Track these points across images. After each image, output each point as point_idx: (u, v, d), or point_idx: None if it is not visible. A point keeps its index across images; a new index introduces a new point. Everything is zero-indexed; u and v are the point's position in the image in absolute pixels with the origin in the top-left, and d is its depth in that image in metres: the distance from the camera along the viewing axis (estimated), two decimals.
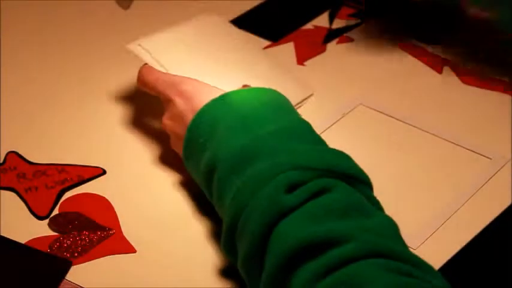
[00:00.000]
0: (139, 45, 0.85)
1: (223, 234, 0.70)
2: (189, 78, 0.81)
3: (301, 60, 0.98)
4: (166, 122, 0.81)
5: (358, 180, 0.69)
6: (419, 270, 0.61)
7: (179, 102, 0.79)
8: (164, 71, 0.84)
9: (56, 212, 0.80)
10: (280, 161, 0.68)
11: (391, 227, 0.66)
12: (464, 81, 0.96)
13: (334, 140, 0.88)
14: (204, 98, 0.77)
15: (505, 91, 0.94)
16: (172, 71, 0.83)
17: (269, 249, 0.65)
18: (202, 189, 0.76)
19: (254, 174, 0.69)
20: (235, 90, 0.77)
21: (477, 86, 0.95)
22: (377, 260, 0.61)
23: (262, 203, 0.67)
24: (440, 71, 0.97)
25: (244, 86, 0.83)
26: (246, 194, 0.68)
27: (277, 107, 0.76)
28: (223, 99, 0.76)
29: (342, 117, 0.91)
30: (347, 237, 0.62)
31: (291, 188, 0.67)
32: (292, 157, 0.69)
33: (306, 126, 0.75)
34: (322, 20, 1.05)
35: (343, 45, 1.01)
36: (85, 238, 0.77)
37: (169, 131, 0.81)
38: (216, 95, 0.77)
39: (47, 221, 0.79)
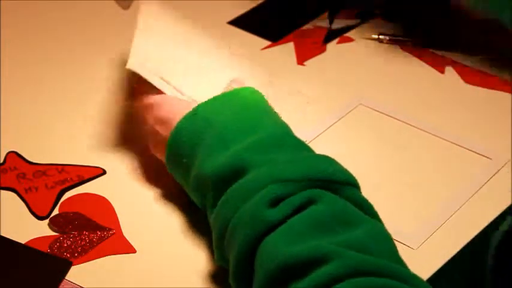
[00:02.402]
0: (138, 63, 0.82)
1: (214, 247, 0.71)
2: (162, 98, 0.79)
3: (301, 60, 0.98)
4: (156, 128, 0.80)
5: (344, 184, 0.68)
6: (408, 285, 0.60)
7: (159, 129, 0.79)
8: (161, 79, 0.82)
9: (56, 212, 0.80)
10: (260, 175, 0.68)
11: (377, 236, 0.65)
12: (466, 81, 0.96)
13: (334, 140, 0.88)
14: (178, 118, 0.76)
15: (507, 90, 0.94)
16: (170, 75, 0.82)
17: (256, 267, 0.65)
18: (195, 201, 0.76)
19: (235, 189, 0.68)
20: (204, 102, 0.76)
21: (480, 86, 0.95)
22: (362, 279, 0.60)
23: (245, 219, 0.66)
24: (442, 71, 0.97)
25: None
26: (229, 210, 0.68)
27: (251, 113, 0.74)
28: (196, 113, 0.75)
29: (342, 117, 0.91)
30: (331, 255, 0.61)
31: (274, 202, 0.66)
32: (272, 170, 0.68)
33: (284, 132, 0.74)
34: (322, 20, 1.05)
35: (343, 45, 1.01)
36: (85, 238, 0.77)
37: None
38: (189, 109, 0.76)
39: (47, 221, 0.79)
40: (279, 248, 0.63)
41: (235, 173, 0.70)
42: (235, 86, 0.80)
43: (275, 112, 0.77)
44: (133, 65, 0.81)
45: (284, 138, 0.72)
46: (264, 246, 0.65)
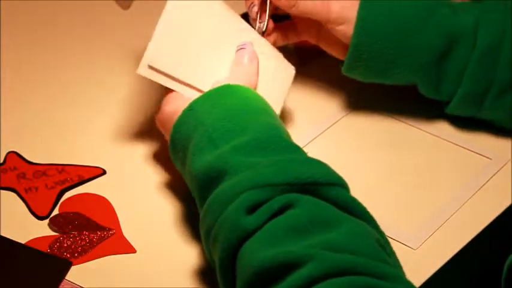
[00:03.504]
0: (150, 66, 0.79)
1: (203, 247, 0.71)
2: (163, 104, 0.79)
3: (301, 60, 0.98)
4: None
5: (326, 185, 0.67)
6: (387, 282, 0.60)
7: (165, 126, 0.79)
8: (180, 81, 0.81)
9: (56, 212, 0.80)
10: (241, 180, 0.67)
11: (357, 235, 0.63)
12: None
13: (334, 140, 0.88)
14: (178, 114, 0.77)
15: None
16: (187, 76, 0.81)
17: (237, 273, 0.65)
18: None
19: (217, 195, 0.68)
20: (199, 98, 0.75)
21: None
22: (341, 278, 0.59)
23: (225, 226, 0.66)
24: None
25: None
26: (211, 216, 0.68)
27: (245, 112, 0.73)
28: (192, 109, 0.75)
29: (342, 117, 0.91)
30: (306, 257, 0.61)
31: (252, 209, 0.66)
32: (252, 175, 0.67)
33: (272, 134, 0.72)
34: None
35: None
36: (85, 238, 0.77)
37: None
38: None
39: (47, 221, 0.79)
40: (255, 253, 0.63)
41: (216, 176, 0.69)
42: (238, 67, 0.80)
43: (269, 111, 0.76)
44: (143, 70, 0.79)
45: (270, 141, 0.71)
46: (242, 253, 0.65)
